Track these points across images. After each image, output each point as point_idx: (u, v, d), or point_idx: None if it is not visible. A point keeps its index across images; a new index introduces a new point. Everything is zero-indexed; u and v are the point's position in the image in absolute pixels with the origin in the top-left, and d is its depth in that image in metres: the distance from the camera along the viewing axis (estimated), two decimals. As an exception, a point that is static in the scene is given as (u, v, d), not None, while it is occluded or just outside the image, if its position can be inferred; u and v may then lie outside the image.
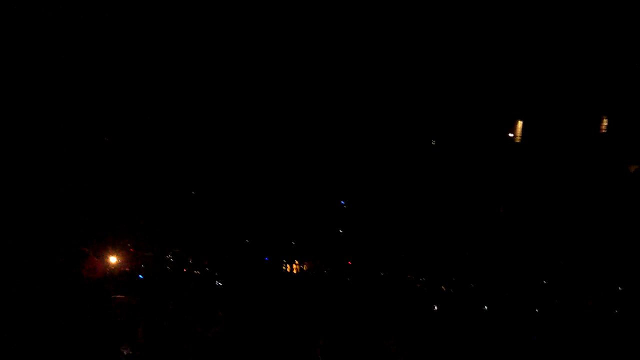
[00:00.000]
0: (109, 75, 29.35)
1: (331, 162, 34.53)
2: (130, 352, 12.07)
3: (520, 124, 31.90)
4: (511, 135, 32.04)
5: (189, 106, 33.13)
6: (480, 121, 32.25)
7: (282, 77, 33.15)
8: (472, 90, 31.77)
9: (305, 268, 37.42)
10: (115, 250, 29.63)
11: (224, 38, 31.65)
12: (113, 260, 28.70)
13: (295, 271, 37.26)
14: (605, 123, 28.92)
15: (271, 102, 33.83)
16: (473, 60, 31.35)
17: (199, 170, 34.36)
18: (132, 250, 33.46)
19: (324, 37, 32.00)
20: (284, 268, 37.24)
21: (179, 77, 32.04)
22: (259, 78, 33.02)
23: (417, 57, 32.25)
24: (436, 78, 32.40)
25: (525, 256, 27.66)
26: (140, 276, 28.15)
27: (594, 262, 25.14)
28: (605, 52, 27.66)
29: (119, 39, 28.58)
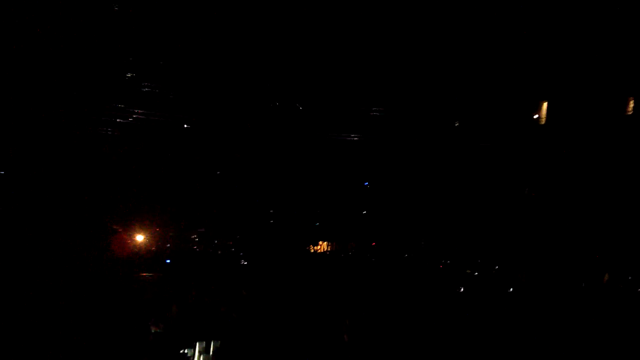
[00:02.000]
0: (136, 63, 29.67)
1: (353, 142, 34.55)
2: (158, 330, 12.29)
3: (545, 105, 31.66)
4: (536, 116, 31.83)
5: (212, 91, 33.31)
6: (505, 102, 32.06)
7: (311, 65, 33.20)
8: (496, 72, 31.55)
9: (329, 249, 37.60)
10: (142, 229, 30.02)
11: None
12: (139, 238, 29.10)
13: (319, 252, 37.46)
14: (631, 104, 28.61)
15: (295, 87, 33.90)
16: (497, 41, 31.10)
17: (223, 150, 34.58)
18: (157, 229, 33.84)
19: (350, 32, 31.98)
20: (308, 249, 37.45)
21: (209, 63, 32.26)
22: (287, 66, 33.12)
23: (441, 38, 32.07)
24: (459, 59, 32.21)
25: (551, 239, 27.57)
26: (167, 260, 28.55)
27: (621, 245, 25.00)
28: (630, 32, 27.31)
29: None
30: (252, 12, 31.30)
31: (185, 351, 11.87)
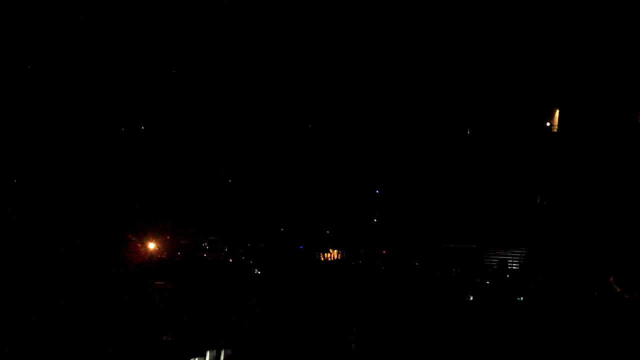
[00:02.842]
0: (147, 66, 29.84)
1: (365, 149, 34.59)
2: (169, 338, 12.33)
3: (557, 112, 31.61)
4: (548, 124, 31.78)
5: (223, 95, 33.44)
6: (517, 110, 32.02)
7: (328, 65, 33.28)
8: (509, 79, 31.53)
9: (339, 257, 37.60)
10: (153, 237, 30.16)
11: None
12: (151, 247, 29.22)
13: (329, 259, 37.48)
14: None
15: (307, 90, 33.98)
16: (509, 48, 31.09)
17: (234, 158, 34.71)
18: (168, 237, 33.98)
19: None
20: (318, 256, 37.48)
21: (219, 65, 32.42)
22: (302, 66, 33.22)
23: (455, 47, 32.10)
24: (471, 67, 32.22)
25: (563, 246, 27.46)
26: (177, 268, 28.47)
27: (633, 253, 24.84)
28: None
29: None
30: (255, 12, 31.44)
31: (196, 360, 11.87)
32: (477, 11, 31.28)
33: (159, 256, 29.57)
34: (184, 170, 33.33)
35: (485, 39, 31.55)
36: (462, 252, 30.98)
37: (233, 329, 13.31)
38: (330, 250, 37.67)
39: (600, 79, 29.00)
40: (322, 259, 37.36)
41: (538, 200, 31.43)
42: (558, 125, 31.74)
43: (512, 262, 28.45)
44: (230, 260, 34.45)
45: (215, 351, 11.90)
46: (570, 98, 30.69)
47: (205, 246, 36.46)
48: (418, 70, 33.24)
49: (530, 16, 30.26)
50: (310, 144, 34.86)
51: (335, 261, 37.00)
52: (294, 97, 34.10)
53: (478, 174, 32.55)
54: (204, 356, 11.80)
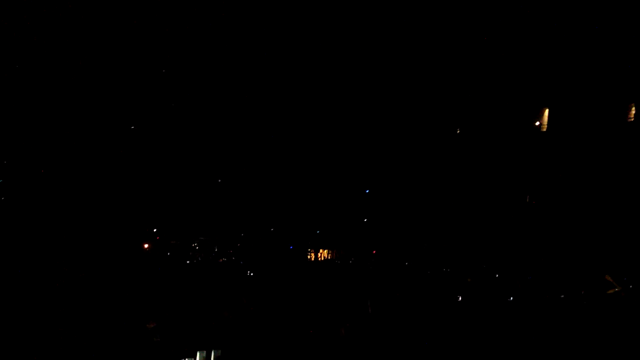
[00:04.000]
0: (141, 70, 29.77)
1: (354, 149, 34.60)
2: (158, 339, 12.30)
3: (546, 112, 31.69)
4: (537, 123, 31.85)
5: (215, 96, 33.37)
6: (506, 109, 32.10)
7: (322, 65, 33.24)
8: (498, 79, 31.60)
9: (329, 256, 37.61)
10: (141, 237, 30.04)
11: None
12: (139, 247, 29.13)
13: (319, 259, 37.47)
14: (633, 111, 28.62)
15: (296, 91, 33.96)
16: (498, 47, 31.17)
17: (224, 158, 34.64)
18: (157, 237, 33.85)
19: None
20: (308, 256, 37.46)
21: (212, 65, 32.33)
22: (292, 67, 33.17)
23: (443, 44, 32.14)
24: (461, 66, 32.28)
25: (552, 247, 27.55)
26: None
27: (622, 253, 24.96)
28: (631, 39, 27.37)
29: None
30: (253, 12, 31.37)
31: (186, 361, 11.85)
32: (466, 12, 31.35)
33: (148, 256, 29.50)
34: (172, 170, 33.21)
35: (474, 39, 31.61)
36: (453, 252, 31.03)
37: (223, 330, 13.28)
38: (321, 250, 37.67)
39: (590, 79, 29.09)
40: (313, 258, 37.34)
41: (527, 200, 31.50)
42: (547, 125, 31.81)
43: (502, 262, 28.50)
44: (221, 261, 34.38)
45: (205, 352, 11.88)
46: (559, 97, 30.76)
47: (195, 246, 36.35)
48: (407, 72, 33.28)
49: (520, 16, 30.34)
50: (300, 144, 34.83)
51: (325, 261, 37.00)
52: (282, 97, 34.06)
53: (467, 174, 32.62)
54: (194, 357, 11.78)
